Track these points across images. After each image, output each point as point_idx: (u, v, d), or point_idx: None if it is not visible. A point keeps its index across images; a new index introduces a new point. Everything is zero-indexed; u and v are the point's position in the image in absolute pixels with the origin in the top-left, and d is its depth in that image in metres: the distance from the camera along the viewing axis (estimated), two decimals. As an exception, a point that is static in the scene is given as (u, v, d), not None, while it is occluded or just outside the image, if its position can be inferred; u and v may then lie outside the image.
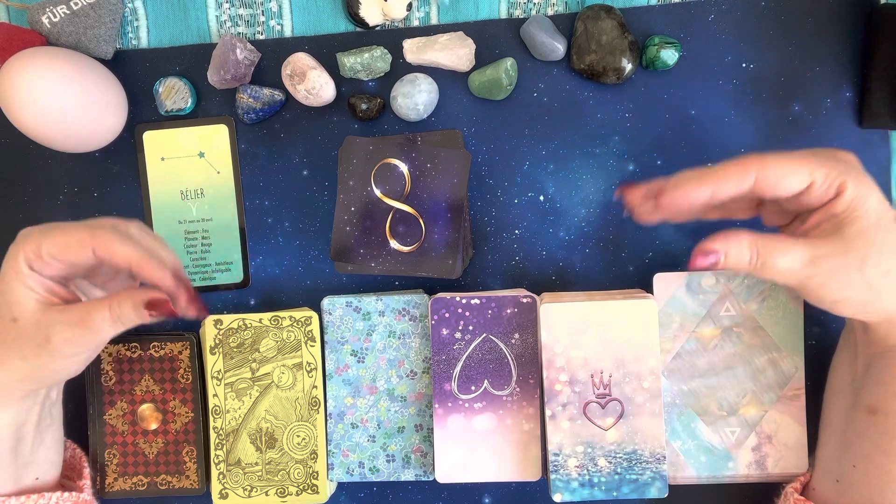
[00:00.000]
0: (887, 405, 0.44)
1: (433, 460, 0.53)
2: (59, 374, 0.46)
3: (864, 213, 0.41)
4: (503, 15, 0.55)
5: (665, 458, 0.50)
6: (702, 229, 0.54)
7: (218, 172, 0.56)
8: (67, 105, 0.50)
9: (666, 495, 0.50)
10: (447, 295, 0.51)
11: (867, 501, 0.45)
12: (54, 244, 0.43)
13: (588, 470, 0.50)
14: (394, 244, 0.52)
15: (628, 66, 0.52)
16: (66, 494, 0.48)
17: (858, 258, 0.41)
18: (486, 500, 0.56)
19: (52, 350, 0.43)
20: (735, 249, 0.42)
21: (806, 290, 0.43)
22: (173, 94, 0.55)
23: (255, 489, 0.53)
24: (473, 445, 0.52)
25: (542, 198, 0.55)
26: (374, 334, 0.53)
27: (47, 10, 0.53)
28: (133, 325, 0.44)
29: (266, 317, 0.53)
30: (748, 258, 0.42)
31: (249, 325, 0.53)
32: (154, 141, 0.56)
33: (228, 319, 0.53)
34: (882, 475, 0.44)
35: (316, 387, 0.53)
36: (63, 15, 0.53)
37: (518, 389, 0.51)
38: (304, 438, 0.53)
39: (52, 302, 0.44)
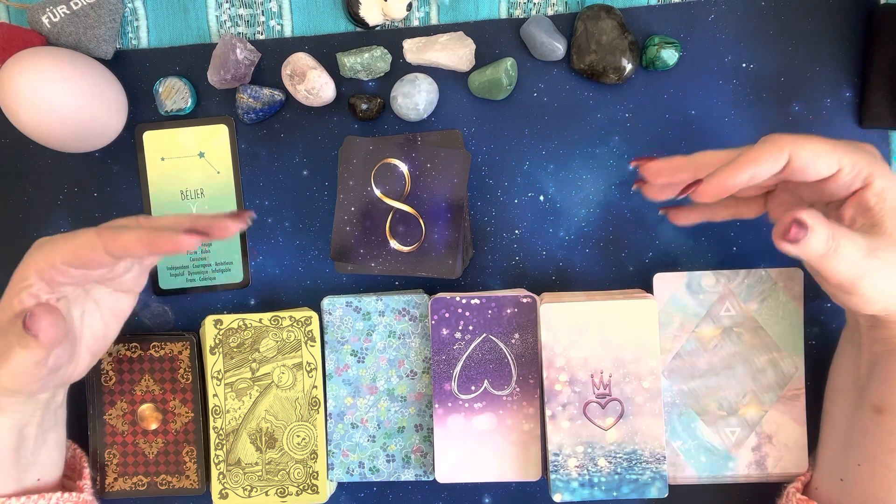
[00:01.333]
0: (894, 403, 0.44)
1: (433, 460, 0.53)
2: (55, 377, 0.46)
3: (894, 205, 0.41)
4: (503, 15, 0.55)
5: (665, 458, 0.50)
6: (701, 229, 0.54)
7: (218, 172, 0.56)
8: (67, 105, 0.50)
9: (666, 495, 0.50)
10: (447, 295, 0.51)
11: (872, 500, 0.44)
12: (67, 252, 0.43)
13: (588, 470, 0.50)
14: (394, 244, 0.52)
15: (628, 66, 0.52)
16: (67, 495, 0.48)
17: None
18: (486, 500, 0.56)
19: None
20: (819, 227, 0.39)
21: (858, 286, 0.41)
22: (173, 94, 0.55)
23: (255, 489, 0.53)
24: (473, 445, 0.52)
25: (542, 198, 0.55)
26: (374, 334, 0.53)
27: (47, 10, 0.53)
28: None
29: (266, 317, 0.53)
30: (825, 239, 0.40)
31: (249, 325, 0.53)
32: (154, 141, 0.56)
33: (228, 319, 0.53)
34: (888, 473, 0.44)
35: (316, 387, 0.53)
36: (63, 15, 0.53)
37: (518, 389, 0.51)
38: (304, 438, 0.53)
39: None
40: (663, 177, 0.46)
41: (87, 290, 0.47)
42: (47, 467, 0.49)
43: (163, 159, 0.56)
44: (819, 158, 0.40)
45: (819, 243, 0.39)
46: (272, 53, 0.55)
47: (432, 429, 0.53)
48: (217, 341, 0.53)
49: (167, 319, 0.57)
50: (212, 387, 0.53)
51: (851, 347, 0.47)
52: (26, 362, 0.42)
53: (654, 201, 0.49)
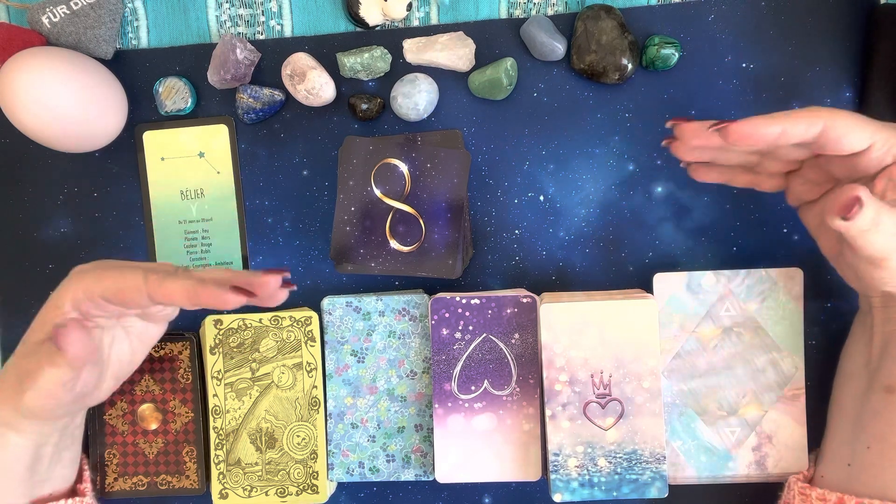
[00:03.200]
0: None
1: (433, 460, 0.53)
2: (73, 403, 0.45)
3: None
4: (503, 15, 0.55)
5: (665, 458, 0.50)
6: (701, 230, 0.54)
7: (218, 172, 0.56)
8: (67, 105, 0.50)
9: (666, 495, 0.50)
10: (447, 295, 0.51)
11: (880, 483, 0.44)
12: (109, 289, 0.42)
13: (588, 470, 0.50)
14: (394, 244, 0.52)
15: (628, 66, 0.52)
16: (70, 501, 0.48)
17: None
18: (486, 500, 0.56)
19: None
20: (869, 202, 0.40)
21: (888, 259, 0.42)
22: (173, 94, 0.55)
23: (255, 489, 0.53)
24: (473, 445, 0.52)
25: (542, 198, 0.55)
26: (374, 334, 0.53)
27: (47, 10, 0.53)
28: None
29: (266, 317, 0.53)
30: (873, 213, 0.40)
31: (249, 325, 0.53)
32: (154, 141, 0.56)
33: (228, 319, 0.53)
34: None
35: (316, 387, 0.53)
36: (63, 15, 0.53)
37: (518, 389, 0.51)
38: (304, 438, 0.53)
39: None
40: (698, 138, 0.45)
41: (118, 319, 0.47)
42: (60, 482, 0.49)
43: (163, 159, 0.56)
44: (853, 132, 0.41)
45: (867, 218, 0.40)
46: (272, 53, 0.55)
47: (432, 429, 0.53)
48: (217, 341, 0.53)
49: (167, 319, 0.57)
50: (212, 387, 0.53)
51: (863, 331, 0.48)
52: (53, 381, 0.42)
53: (679, 158, 0.48)
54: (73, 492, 0.50)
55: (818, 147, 0.43)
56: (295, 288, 0.45)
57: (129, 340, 0.48)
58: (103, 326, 0.46)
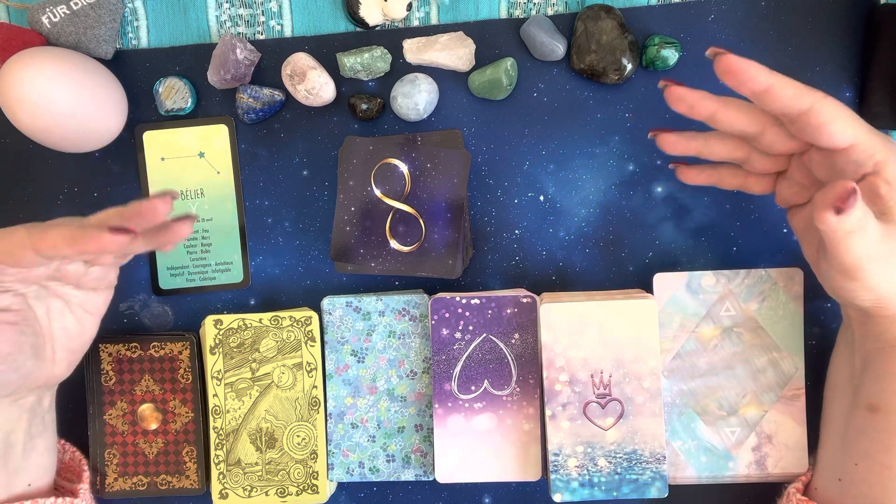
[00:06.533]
0: (887, 402, 0.44)
1: (433, 460, 0.53)
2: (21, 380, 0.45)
3: None
4: (503, 15, 0.55)
5: (665, 458, 0.50)
6: (701, 230, 0.54)
7: (218, 172, 0.56)
8: (67, 105, 0.50)
9: (666, 495, 0.50)
10: (447, 295, 0.51)
11: (869, 500, 0.44)
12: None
13: (588, 470, 0.50)
14: (394, 244, 0.52)
15: (628, 66, 0.52)
16: (60, 500, 0.48)
17: None
18: (486, 500, 0.56)
19: None
20: (861, 200, 0.38)
21: (863, 270, 0.41)
22: (173, 94, 0.55)
23: (255, 489, 0.53)
24: (473, 445, 0.52)
25: (542, 198, 0.55)
26: (374, 334, 0.53)
27: (47, 10, 0.53)
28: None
29: (266, 317, 0.53)
30: (861, 213, 0.39)
31: (249, 325, 0.53)
32: (154, 141, 0.56)
33: (228, 319, 0.53)
34: (884, 472, 0.44)
35: (316, 387, 0.53)
36: (63, 15, 0.53)
37: (518, 389, 0.51)
38: (304, 438, 0.53)
39: None
40: (685, 100, 0.44)
41: (47, 287, 0.46)
42: (38, 472, 0.48)
43: (163, 159, 0.56)
44: (839, 122, 0.40)
45: (856, 217, 0.38)
46: (272, 53, 0.55)
47: (432, 429, 0.53)
48: (217, 341, 0.53)
49: (167, 319, 0.57)
50: (212, 387, 0.53)
51: (846, 346, 0.48)
52: None
53: (667, 153, 0.48)
54: (60, 488, 0.50)
55: (800, 129, 0.41)
56: (196, 216, 0.42)
57: (71, 311, 0.47)
58: (28, 294, 0.44)
